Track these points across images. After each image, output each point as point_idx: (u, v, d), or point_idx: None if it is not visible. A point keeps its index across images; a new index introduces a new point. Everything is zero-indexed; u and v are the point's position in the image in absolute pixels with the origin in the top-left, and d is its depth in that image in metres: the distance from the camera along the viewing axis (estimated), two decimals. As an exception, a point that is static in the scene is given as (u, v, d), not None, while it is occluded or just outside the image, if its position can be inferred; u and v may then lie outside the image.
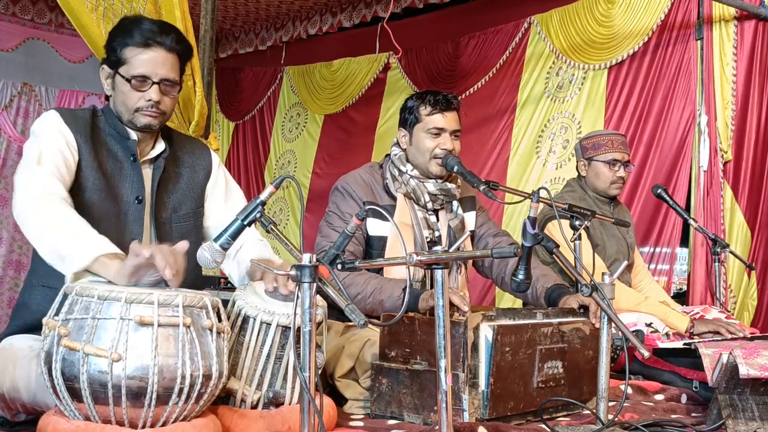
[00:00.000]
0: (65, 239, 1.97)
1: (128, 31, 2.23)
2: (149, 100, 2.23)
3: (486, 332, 2.26)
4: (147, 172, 2.35)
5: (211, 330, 1.85)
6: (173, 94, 2.30)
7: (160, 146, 2.37)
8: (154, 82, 2.23)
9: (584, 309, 2.59)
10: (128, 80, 2.23)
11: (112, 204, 2.26)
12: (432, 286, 2.74)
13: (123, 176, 2.29)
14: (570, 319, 2.52)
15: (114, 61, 2.25)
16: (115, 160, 2.29)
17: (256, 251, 2.38)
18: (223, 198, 2.51)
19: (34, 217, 2.04)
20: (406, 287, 2.64)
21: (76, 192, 2.21)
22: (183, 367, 1.76)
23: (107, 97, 2.35)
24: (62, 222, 2.01)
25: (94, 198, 2.23)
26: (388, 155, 3.05)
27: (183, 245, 1.94)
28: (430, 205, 2.96)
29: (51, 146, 2.17)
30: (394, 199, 2.94)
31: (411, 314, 2.44)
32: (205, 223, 2.50)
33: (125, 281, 1.88)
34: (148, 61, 2.22)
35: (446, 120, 2.93)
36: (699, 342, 2.74)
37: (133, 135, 2.31)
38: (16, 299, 2.39)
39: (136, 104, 2.24)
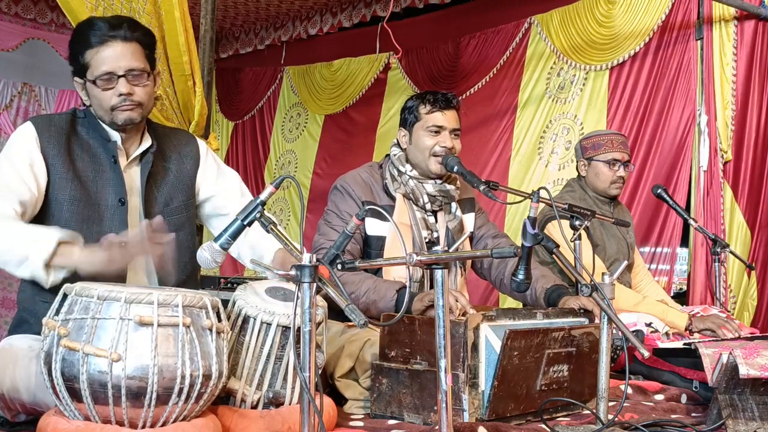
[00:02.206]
0: (18, 246, 2.02)
1: (83, 36, 2.23)
2: (120, 95, 2.23)
3: (487, 333, 2.26)
4: (135, 170, 2.35)
5: (210, 330, 1.85)
6: (144, 83, 2.27)
7: (147, 142, 2.37)
8: (119, 76, 2.22)
9: (584, 310, 2.59)
10: (94, 82, 2.23)
11: (92, 211, 2.26)
12: (431, 287, 2.74)
13: (105, 180, 2.28)
14: (579, 322, 2.51)
15: (79, 69, 2.25)
16: (96, 164, 2.29)
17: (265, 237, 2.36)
18: (214, 179, 2.51)
19: None
20: (400, 289, 2.65)
21: (53, 206, 2.22)
22: (183, 367, 1.76)
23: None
24: (7, 233, 2.04)
25: (72, 209, 2.23)
26: (388, 155, 3.06)
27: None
28: (428, 206, 2.96)
29: (10, 169, 2.18)
30: (393, 199, 2.94)
31: (411, 314, 2.44)
32: (204, 208, 2.51)
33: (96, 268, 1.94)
34: (108, 57, 2.21)
35: (446, 118, 2.93)
36: (699, 342, 2.74)
37: (114, 136, 2.30)
38: (9, 298, 2.41)
39: (110, 102, 2.24)
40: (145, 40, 2.29)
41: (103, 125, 2.31)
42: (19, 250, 2.02)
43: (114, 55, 2.21)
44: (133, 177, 2.34)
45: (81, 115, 2.33)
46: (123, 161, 2.32)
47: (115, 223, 2.27)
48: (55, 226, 2.17)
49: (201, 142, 2.55)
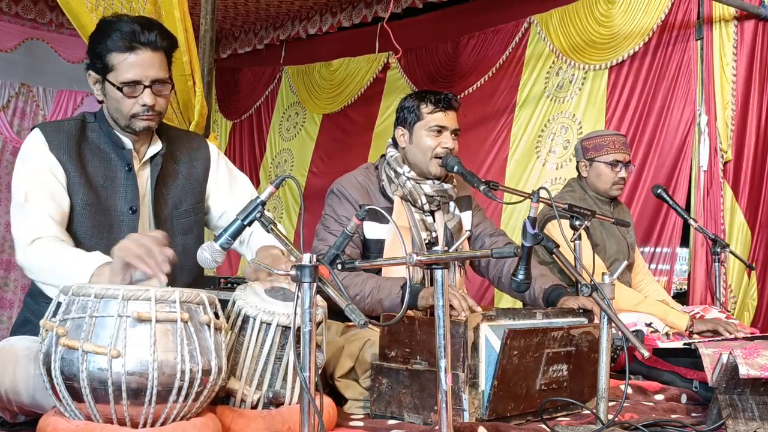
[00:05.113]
0: (63, 274, 1.99)
1: (110, 36, 2.16)
2: (144, 105, 2.19)
3: (487, 333, 2.25)
4: (144, 173, 2.33)
5: (208, 325, 1.84)
6: (165, 93, 2.24)
7: (157, 145, 2.34)
8: (145, 86, 2.18)
9: (583, 309, 2.58)
10: (119, 88, 2.18)
11: (103, 217, 2.23)
12: (432, 286, 2.74)
13: (116, 187, 2.26)
14: (578, 322, 2.51)
15: (101, 67, 2.20)
16: (107, 169, 2.26)
17: (264, 239, 2.35)
18: (227, 189, 2.49)
19: (33, 265, 2.08)
20: (404, 285, 2.64)
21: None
22: (182, 363, 1.75)
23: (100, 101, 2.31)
24: (57, 259, 2.04)
25: (84, 213, 2.21)
26: (383, 156, 3.04)
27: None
28: (426, 207, 2.95)
29: (36, 179, 2.16)
30: (391, 201, 2.93)
31: (411, 314, 2.44)
32: (214, 216, 2.49)
33: (118, 280, 1.92)
34: (136, 64, 2.16)
35: (448, 118, 2.93)
36: (699, 342, 2.74)
37: (128, 144, 2.28)
38: (5, 297, 2.41)
39: (131, 110, 2.20)
40: (171, 49, 2.26)
41: (116, 131, 2.28)
42: (61, 271, 2.01)
43: (142, 64, 2.16)
44: (143, 179, 2.32)
45: (91, 120, 2.29)
46: (136, 166, 2.30)
47: (124, 231, 2.22)
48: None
49: (213, 147, 2.52)
